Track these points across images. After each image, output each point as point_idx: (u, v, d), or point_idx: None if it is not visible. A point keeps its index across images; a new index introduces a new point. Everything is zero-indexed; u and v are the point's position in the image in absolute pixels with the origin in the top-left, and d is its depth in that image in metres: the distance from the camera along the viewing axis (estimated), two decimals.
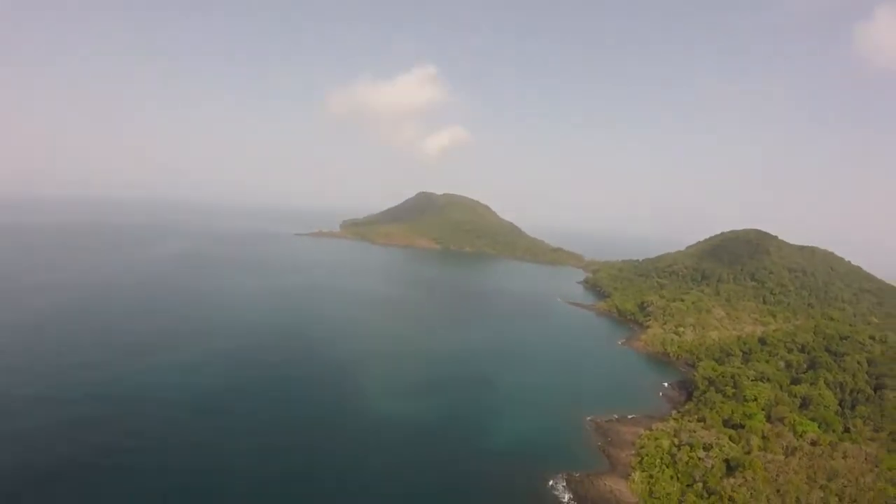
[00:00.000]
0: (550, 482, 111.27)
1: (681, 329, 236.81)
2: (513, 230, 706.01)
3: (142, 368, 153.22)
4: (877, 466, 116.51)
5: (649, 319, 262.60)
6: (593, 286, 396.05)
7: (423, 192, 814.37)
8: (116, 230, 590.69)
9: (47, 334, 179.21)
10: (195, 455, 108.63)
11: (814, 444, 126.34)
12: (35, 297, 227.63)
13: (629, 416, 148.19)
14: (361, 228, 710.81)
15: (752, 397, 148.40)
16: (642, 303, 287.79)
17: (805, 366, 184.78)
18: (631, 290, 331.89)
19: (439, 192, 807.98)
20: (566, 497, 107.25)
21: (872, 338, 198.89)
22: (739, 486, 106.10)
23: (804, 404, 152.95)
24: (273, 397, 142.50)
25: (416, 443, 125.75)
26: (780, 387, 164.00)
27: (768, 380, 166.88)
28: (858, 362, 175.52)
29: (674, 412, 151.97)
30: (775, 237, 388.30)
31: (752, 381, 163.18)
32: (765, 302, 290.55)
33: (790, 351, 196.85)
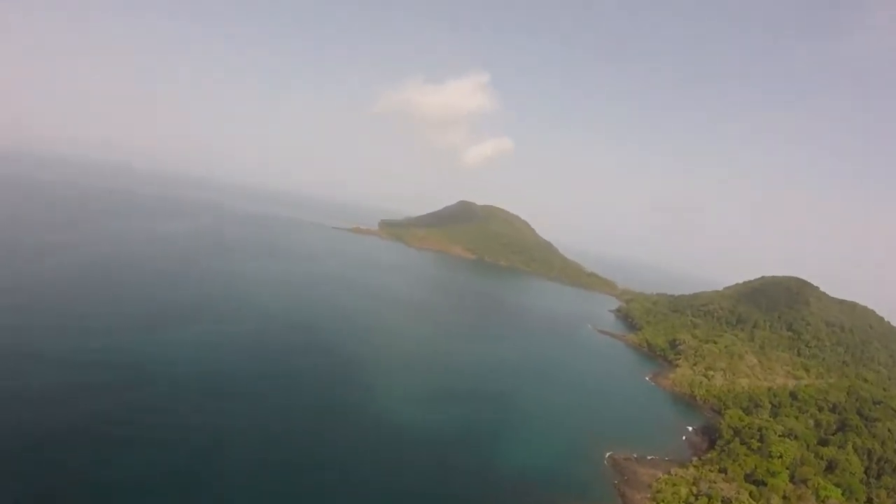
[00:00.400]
0: None
1: (710, 372, 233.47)
2: (549, 249, 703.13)
3: (153, 340, 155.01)
4: None
5: (679, 358, 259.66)
6: (625, 316, 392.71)
7: (464, 201, 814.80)
8: (158, 201, 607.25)
9: (64, 296, 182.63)
10: (195, 435, 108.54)
11: None
12: (55, 257, 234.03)
13: (648, 457, 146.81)
14: (398, 229, 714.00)
15: (778, 454, 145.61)
16: (674, 340, 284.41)
17: (835, 427, 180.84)
18: (663, 326, 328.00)
19: (478, 201, 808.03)
20: None
21: None
22: None
23: (830, 467, 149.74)
24: (284, 386, 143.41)
25: (429, 450, 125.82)
26: (807, 446, 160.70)
27: (796, 437, 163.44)
28: (889, 430, 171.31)
29: (695, 459, 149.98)
30: (816, 287, 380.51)
31: (779, 436, 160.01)
32: (799, 354, 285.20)
33: (821, 409, 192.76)
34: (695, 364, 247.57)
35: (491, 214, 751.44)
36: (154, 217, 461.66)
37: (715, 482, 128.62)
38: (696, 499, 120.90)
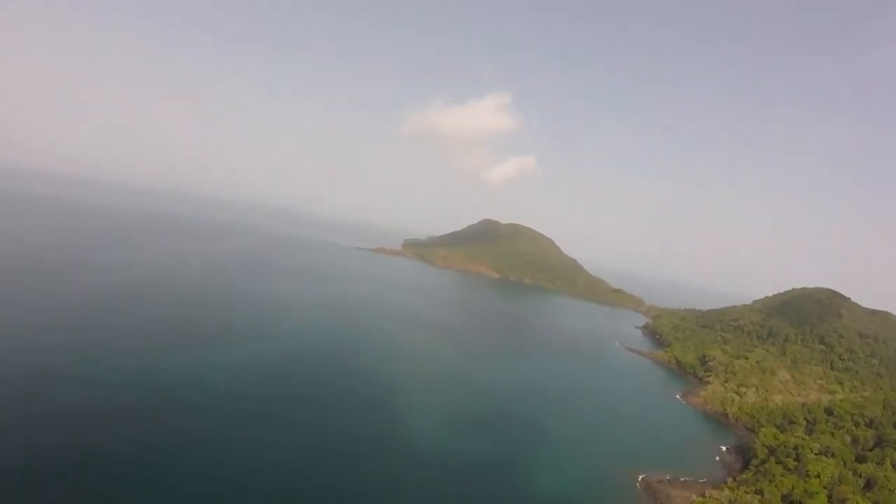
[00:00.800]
0: None
1: (742, 389, 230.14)
2: (574, 266, 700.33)
3: (184, 364, 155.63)
4: None
5: (710, 375, 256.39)
6: (653, 333, 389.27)
7: (488, 220, 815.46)
8: (183, 222, 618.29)
9: (102, 316, 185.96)
10: (217, 464, 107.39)
11: None
12: (94, 277, 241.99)
13: (682, 479, 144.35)
14: (422, 249, 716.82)
15: (815, 473, 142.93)
16: (704, 356, 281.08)
17: (872, 442, 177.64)
18: (692, 342, 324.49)
19: (502, 220, 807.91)
20: None
21: None
22: None
23: (868, 485, 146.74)
24: (308, 410, 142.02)
25: (452, 475, 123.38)
26: (845, 463, 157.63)
27: (833, 455, 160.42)
28: None
29: (730, 480, 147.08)
30: (847, 298, 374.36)
31: (815, 454, 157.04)
32: (832, 367, 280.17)
33: (857, 425, 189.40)
34: (726, 381, 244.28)
35: (515, 232, 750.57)
36: (184, 238, 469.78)
37: None
38: None
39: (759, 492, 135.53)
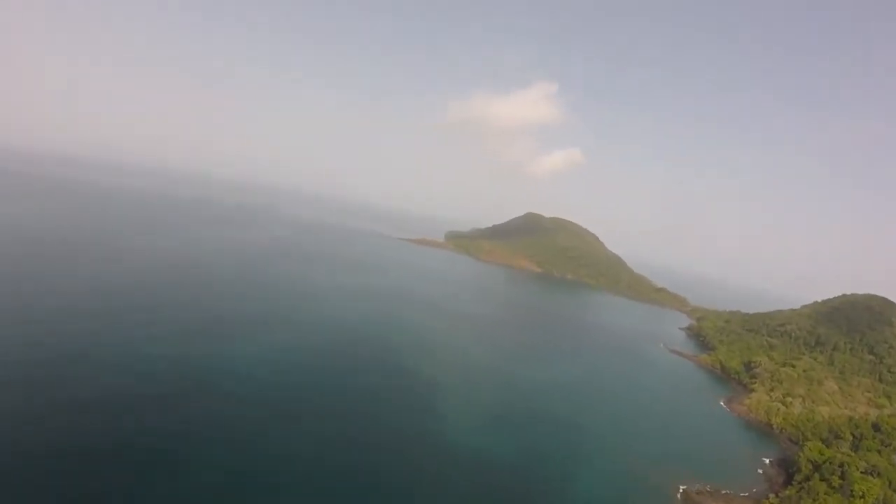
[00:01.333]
0: None
1: (788, 399, 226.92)
2: (618, 263, 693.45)
3: (213, 352, 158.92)
4: None
5: (755, 382, 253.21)
6: (697, 335, 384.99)
7: (532, 213, 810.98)
8: (222, 207, 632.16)
9: (132, 301, 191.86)
10: (241, 454, 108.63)
11: None
12: (129, 261, 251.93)
13: (723, 491, 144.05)
14: (465, 241, 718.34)
15: (860, 493, 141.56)
16: (749, 362, 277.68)
17: None
18: (738, 346, 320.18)
19: (546, 213, 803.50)
20: None
21: None
22: None
23: None
24: (339, 407, 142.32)
25: (485, 476, 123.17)
26: (890, 483, 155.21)
27: (879, 475, 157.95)
28: None
29: (771, 496, 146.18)
30: None
31: (861, 473, 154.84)
32: (881, 380, 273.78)
33: None
34: (771, 389, 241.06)
35: (559, 227, 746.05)
36: (218, 224, 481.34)
37: None
38: None
39: None
